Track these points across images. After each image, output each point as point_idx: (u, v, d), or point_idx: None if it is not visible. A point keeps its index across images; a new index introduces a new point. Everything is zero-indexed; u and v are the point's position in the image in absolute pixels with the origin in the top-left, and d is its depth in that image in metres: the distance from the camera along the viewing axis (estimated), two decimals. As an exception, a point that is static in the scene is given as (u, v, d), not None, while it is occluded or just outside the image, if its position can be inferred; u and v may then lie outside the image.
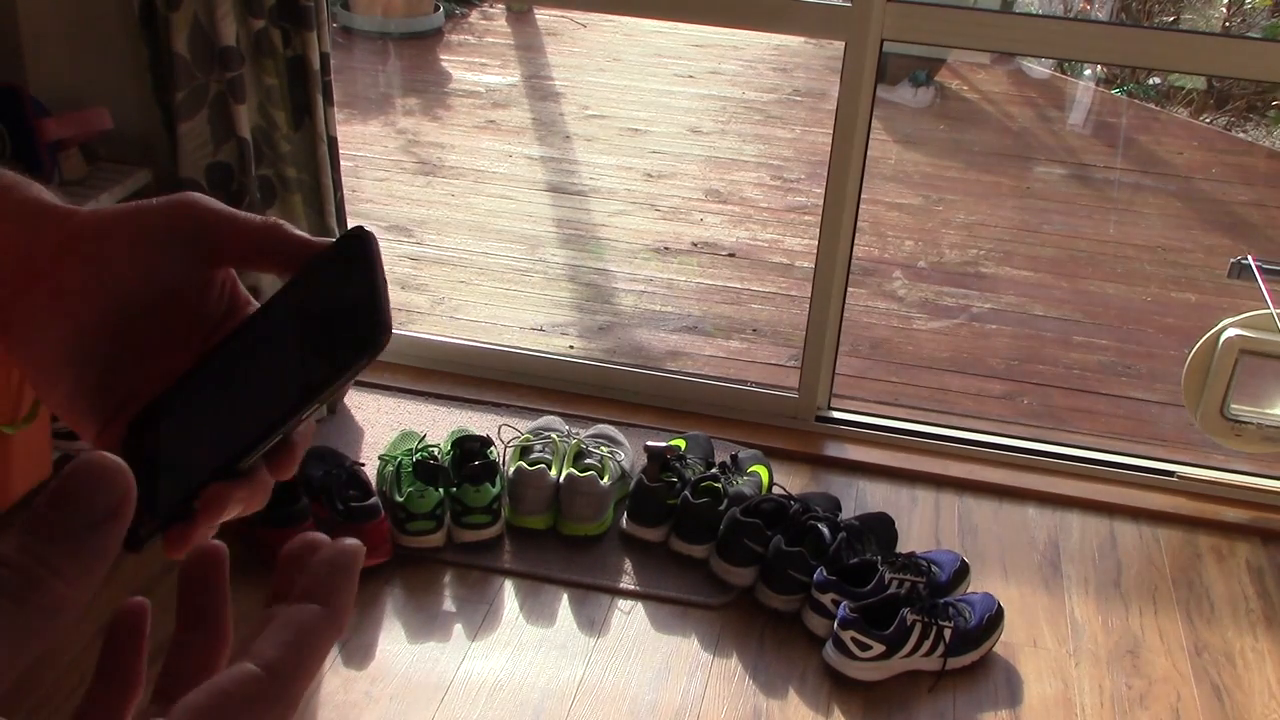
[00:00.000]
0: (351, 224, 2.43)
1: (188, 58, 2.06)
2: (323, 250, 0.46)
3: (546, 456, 2.20)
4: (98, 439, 0.47)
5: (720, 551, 2.06)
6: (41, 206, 0.46)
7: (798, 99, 5.17)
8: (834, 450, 2.43)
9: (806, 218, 3.90)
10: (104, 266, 0.45)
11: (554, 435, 2.27)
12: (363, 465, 2.15)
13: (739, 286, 3.42)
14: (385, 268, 0.44)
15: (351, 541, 0.38)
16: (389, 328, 0.41)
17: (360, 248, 0.44)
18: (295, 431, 0.44)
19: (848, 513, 2.21)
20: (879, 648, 1.86)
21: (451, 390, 2.51)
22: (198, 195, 0.47)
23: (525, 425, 2.33)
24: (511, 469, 2.17)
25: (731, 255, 3.62)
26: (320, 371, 0.42)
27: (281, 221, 0.47)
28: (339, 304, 0.43)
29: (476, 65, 5.39)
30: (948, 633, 1.90)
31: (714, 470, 2.19)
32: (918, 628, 1.88)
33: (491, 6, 6.02)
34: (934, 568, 2.03)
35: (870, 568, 1.97)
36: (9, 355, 0.46)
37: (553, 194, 4.11)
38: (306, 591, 0.36)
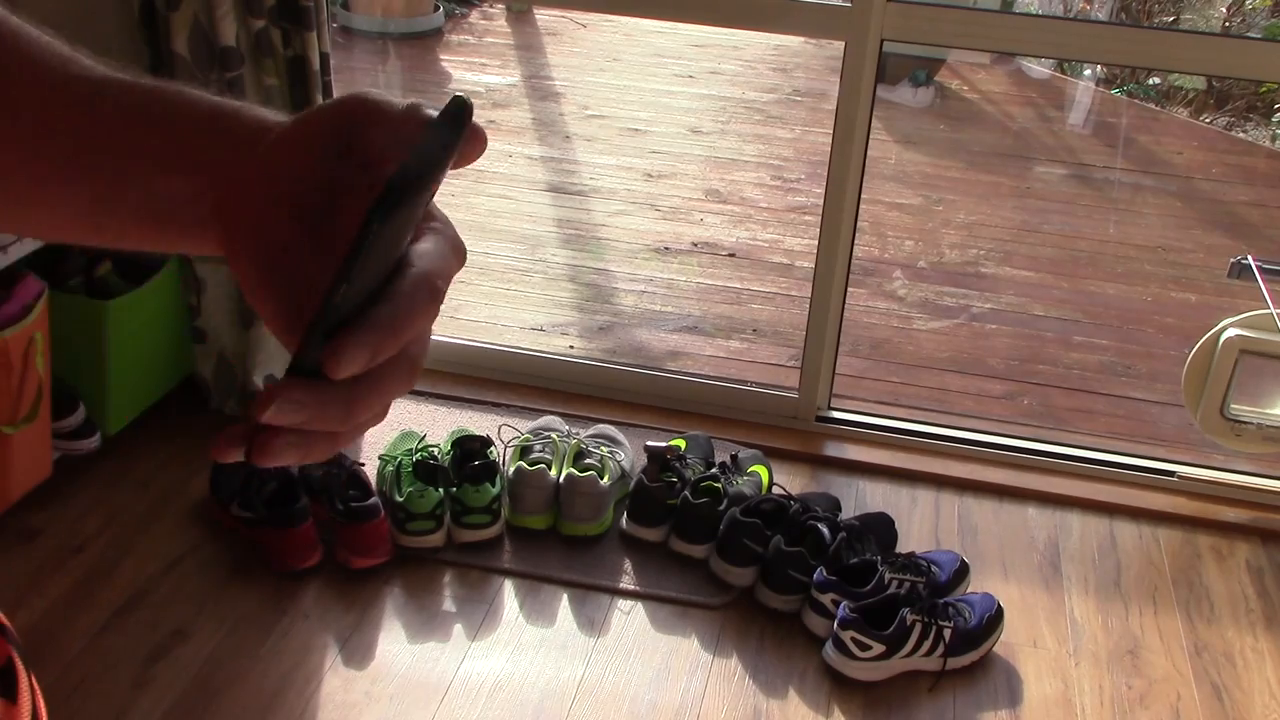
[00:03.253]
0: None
1: (188, 58, 2.06)
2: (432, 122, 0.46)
3: (546, 456, 2.20)
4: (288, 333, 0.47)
5: (720, 551, 2.06)
6: (261, 127, 0.48)
7: (798, 99, 5.17)
8: (834, 450, 2.43)
9: (806, 218, 3.90)
10: (282, 182, 0.46)
11: (554, 435, 2.27)
12: (363, 465, 2.15)
13: (739, 286, 3.42)
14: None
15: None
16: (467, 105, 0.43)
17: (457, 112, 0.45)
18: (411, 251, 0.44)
19: (848, 513, 2.21)
20: (879, 648, 1.86)
21: (451, 390, 2.51)
22: (364, 93, 0.48)
23: (525, 425, 2.33)
24: (511, 469, 2.17)
25: (731, 255, 3.62)
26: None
27: (420, 104, 0.48)
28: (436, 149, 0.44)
29: (476, 65, 5.39)
30: (948, 633, 1.90)
31: (714, 470, 2.19)
32: (918, 628, 1.88)
33: (491, 6, 6.02)
34: (934, 568, 2.03)
35: (870, 568, 1.97)
36: (229, 257, 0.47)
37: (553, 194, 4.11)
38: None
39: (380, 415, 0.45)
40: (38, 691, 0.57)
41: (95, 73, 0.49)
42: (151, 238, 0.50)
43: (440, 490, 2.07)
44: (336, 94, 2.23)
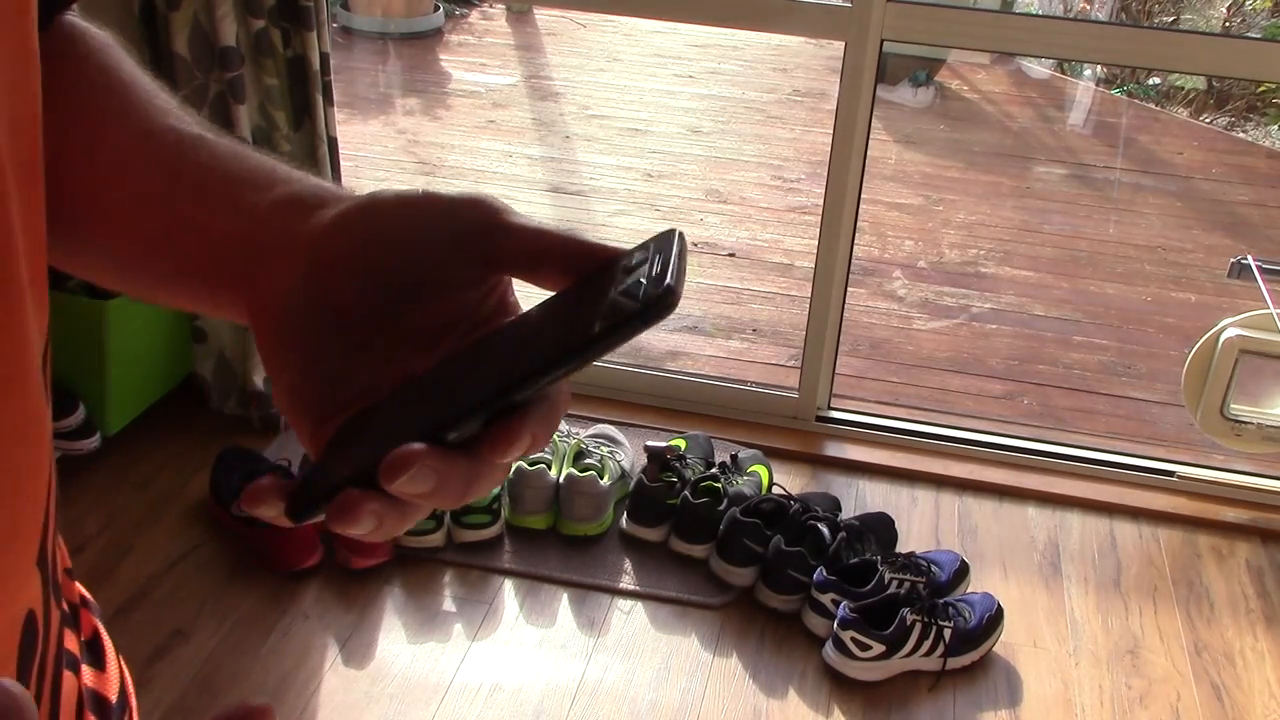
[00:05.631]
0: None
1: (188, 58, 2.06)
2: (622, 252, 0.42)
3: (546, 456, 2.20)
4: (311, 438, 0.44)
5: (720, 551, 2.06)
6: (310, 191, 0.46)
7: (798, 99, 5.17)
8: (834, 450, 2.43)
9: (806, 218, 3.90)
10: (370, 240, 0.43)
11: (554, 435, 2.26)
12: (363, 465, 2.15)
13: (739, 286, 3.42)
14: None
15: None
16: (676, 294, 0.38)
17: (668, 239, 0.41)
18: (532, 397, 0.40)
19: (848, 513, 2.21)
20: (879, 648, 1.86)
21: (451, 390, 2.51)
22: (493, 197, 0.44)
23: (525, 425, 2.32)
24: (511, 469, 2.17)
25: (731, 255, 3.62)
26: (574, 334, 0.39)
27: (580, 233, 0.43)
28: (621, 285, 0.40)
29: (476, 65, 5.39)
30: (948, 633, 1.90)
31: (714, 470, 2.19)
32: (918, 628, 1.88)
33: (491, 6, 6.02)
34: (934, 568, 2.03)
35: (870, 568, 1.97)
36: (252, 323, 0.44)
37: (553, 194, 4.11)
38: None
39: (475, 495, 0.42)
40: (122, 661, 0.58)
41: (185, 125, 0.49)
42: (186, 292, 0.49)
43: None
44: (336, 94, 2.23)
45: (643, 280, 0.39)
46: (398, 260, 0.43)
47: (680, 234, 0.41)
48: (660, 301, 0.37)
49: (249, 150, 0.49)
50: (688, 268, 0.40)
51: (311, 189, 0.46)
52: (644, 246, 0.42)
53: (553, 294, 0.43)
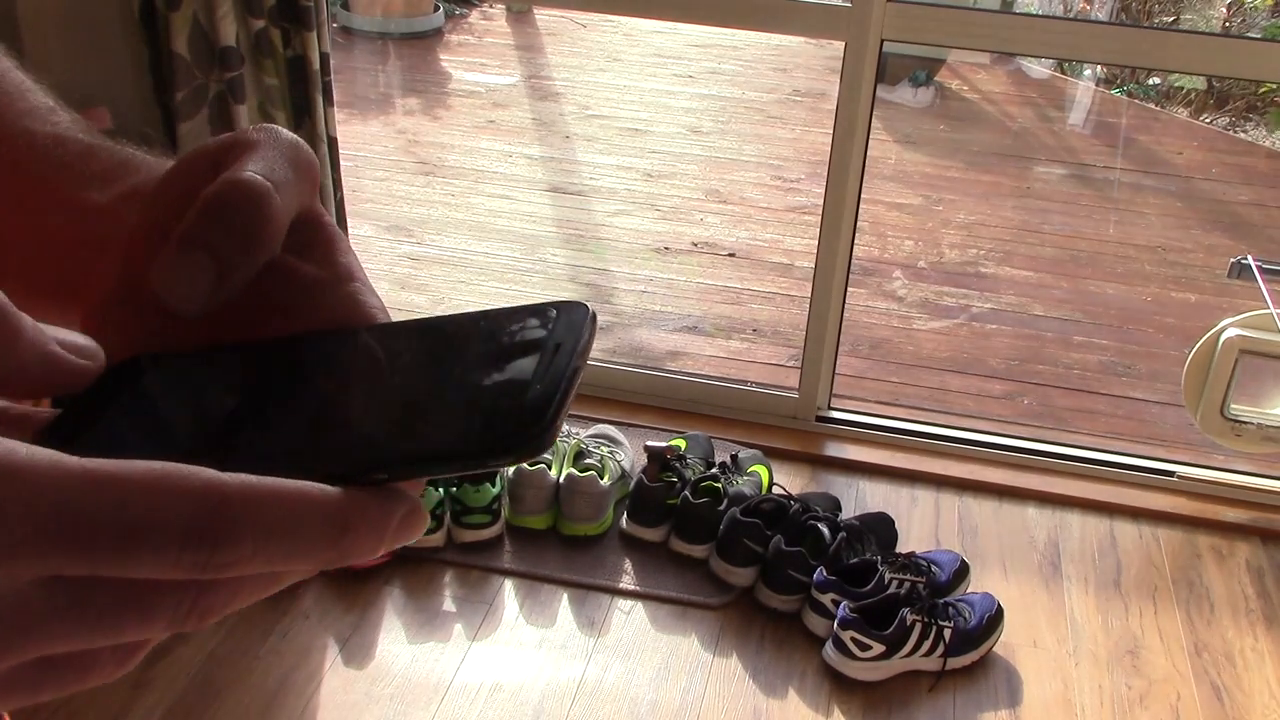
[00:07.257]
0: (352, 224, 2.43)
1: (188, 58, 2.06)
2: (531, 305, 0.35)
3: (546, 456, 2.20)
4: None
5: (720, 551, 2.06)
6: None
7: (798, 99, 5.17)
8: (834, 450, 2.43)
9: (806, 218, 3.90)
10: (169, 208, 0.39)
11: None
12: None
13: (739, 286, 3.42)
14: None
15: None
16: (551, 437, 0.31)
17: (576, 324, 0.34)
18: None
19: (848, 513, 2.21)
20: (879, 648, 1.86)
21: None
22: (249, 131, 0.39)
23: (525, 425, 2.33)
24: (511, 469, 2.17)
25: (731, 255, 3.62)
26: (425, 440, 0.32)
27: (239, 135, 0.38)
28: (506, 373, 0.33)
29: (476, 65, 5.39)
30: (948, 633, 1.90)
31: (714, 470, 2.20)
32: (918, 628, 1.88)
33: (491, 6, 6.02)
34: (934, 568, 2.03)
35: (870, 568, 1.97)
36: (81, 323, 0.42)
37: (553, 194, 4.11)
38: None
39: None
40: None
41: (40, 127, 0.47)
42: (37, 305, 0.44)
43: (440, 490, 2.07)
44: (336, 94, 2.23)
45: (531, 384, 0.32)
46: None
47: (591, 319, 0.35)
48: (525, 446, 0.31)
49: (107, 145, 0.47)
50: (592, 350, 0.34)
51: (153, 180, 0.43)
52: (546, 318, 0.35)
53: (448, 317, 0.36)
